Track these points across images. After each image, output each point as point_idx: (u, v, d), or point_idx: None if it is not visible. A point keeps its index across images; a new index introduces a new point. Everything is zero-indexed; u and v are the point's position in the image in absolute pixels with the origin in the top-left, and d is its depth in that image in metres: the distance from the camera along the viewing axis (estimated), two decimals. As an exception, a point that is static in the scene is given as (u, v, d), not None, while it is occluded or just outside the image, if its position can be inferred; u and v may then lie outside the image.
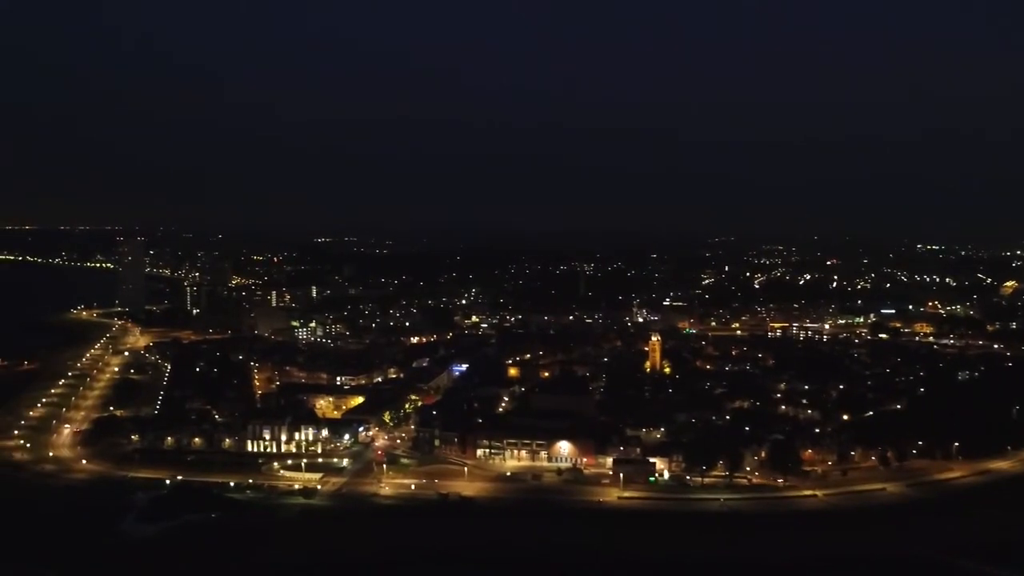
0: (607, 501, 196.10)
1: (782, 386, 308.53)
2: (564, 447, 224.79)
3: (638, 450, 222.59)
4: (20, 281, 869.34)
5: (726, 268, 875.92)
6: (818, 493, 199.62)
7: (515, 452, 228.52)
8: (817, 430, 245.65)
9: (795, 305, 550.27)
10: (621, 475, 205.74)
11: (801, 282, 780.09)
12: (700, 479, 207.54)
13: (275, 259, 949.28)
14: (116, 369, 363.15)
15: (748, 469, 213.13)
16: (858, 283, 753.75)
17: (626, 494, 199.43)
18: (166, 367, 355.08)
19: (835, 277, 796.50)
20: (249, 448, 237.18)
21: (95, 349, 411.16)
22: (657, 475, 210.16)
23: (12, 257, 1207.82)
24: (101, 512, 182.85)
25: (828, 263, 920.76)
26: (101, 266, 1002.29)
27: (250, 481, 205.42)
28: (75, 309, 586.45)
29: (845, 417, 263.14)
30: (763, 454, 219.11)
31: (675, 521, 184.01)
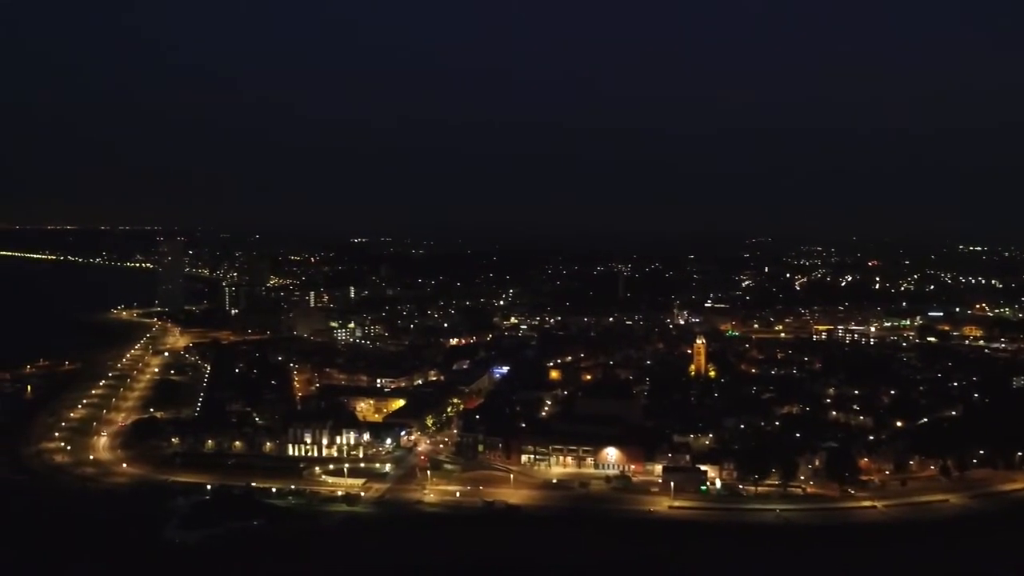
0: (658, 511, 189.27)
1: (831, 391, 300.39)
2: (611, 454, 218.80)
3: (687, 457, 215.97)
4: (61, 281, 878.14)
5: (765, 269, 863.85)
6: (877, 504, 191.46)
7: (561, 458, 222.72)
8: (871, 437, 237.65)
9: (840, 307, 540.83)
10: (672, 484, 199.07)
11: (843, 283, 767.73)
12: (753, 488, 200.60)
13: (312, 259, 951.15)
14: (156, 370, 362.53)
15: (802, 478, 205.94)
16: (901, 285, 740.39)
17: (677, 503, 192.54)
18: (206, 368, 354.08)
19: (877, 278, 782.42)
20: (290, 452, 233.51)
21: (135, 349, 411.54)
22: (708, 484, 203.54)
23: (54, 257, 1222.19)
24: (142, 518, 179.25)
25: (869, 264, 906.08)
26: (141, 266, 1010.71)
27: (292, 487, 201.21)
28: (115, 309, 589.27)
29: (899, 424, 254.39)
30: (817, 462, 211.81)
31: (730, 533, 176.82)
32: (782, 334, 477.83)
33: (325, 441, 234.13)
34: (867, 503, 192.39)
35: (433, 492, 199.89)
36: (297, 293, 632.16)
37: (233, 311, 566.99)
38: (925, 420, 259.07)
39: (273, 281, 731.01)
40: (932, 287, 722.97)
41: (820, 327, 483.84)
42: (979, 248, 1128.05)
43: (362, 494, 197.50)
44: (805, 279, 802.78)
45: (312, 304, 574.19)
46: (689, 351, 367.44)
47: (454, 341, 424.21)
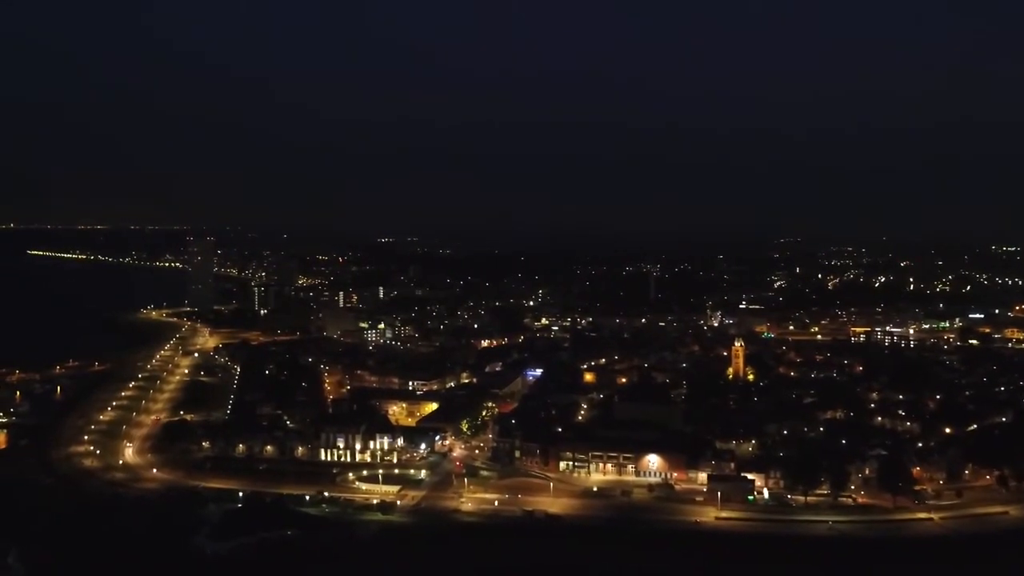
0: (704, 522, 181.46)
1: (874, 395, 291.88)
2: (653, 461, 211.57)
3: (732, 465, 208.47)
4: (91, 280, 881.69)
5: (797, 270, 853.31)
6: (934, 516, 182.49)
7: (600, 465, 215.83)
8: (919, 444, 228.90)
9: (877, 309, 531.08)
10: (719, 493, 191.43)
11: (877, 284, 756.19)
12: (802, 498, 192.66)
13: (340, 259, 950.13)
14: (186, 371, 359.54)
15: (852, 487, 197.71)
16: (937, 285, 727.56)
17: (724, 514, 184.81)
18: (235, 369, 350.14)
19: (911, 279, 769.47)
20: (322, 457, 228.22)
21: (165, 350, 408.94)
22: (755, 493, 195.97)
23: (85, 256, 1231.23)
24: (172, 527, 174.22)
25: (903, 264, 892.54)
26: (170, 265, 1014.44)
27: (325, 494, 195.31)
28: (145, 309, 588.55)
29: (947, 430, 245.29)
30: (867, 471, 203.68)
31: (781, 546, 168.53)
32: (818, 336, 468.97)
33: (358, 446, 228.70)
34: (923, 515, 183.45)
35: (470, 500, 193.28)
36: (326, 293, 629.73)
37: (262, 311, 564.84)
38: (975, 427, 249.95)
39: (302, 281, 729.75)
40: (968, 288, 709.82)
41: (857, 329, 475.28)
42: (1013, 248, 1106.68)
43: (398, 502, 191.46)
44: (837, 280, 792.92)
45: (341, 304, 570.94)
46: (725, 353, 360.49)
47: (485, 342, 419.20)
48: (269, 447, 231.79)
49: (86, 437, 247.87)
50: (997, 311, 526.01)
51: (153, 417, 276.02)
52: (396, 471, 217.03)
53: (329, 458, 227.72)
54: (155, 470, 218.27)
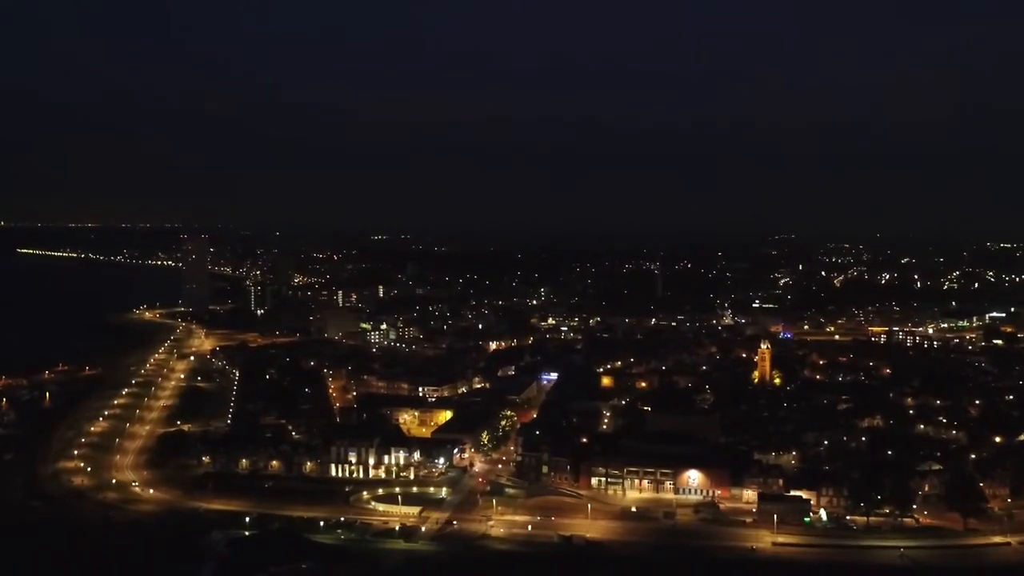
0: (762, 548, 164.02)
1: (909, 400, 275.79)
2: (694, 477, 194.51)
3: (781, 482, 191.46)
4: (82, 279, 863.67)
5: (800, 267, 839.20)
6: (1011, 541, 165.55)
7: (636, 482, 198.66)
8: (971, 456, 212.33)
9: (894, 307, 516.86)
10: (774, 515, 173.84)
11: (883, 281, 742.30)
12: (864, 519, 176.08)
13: (335, 257, 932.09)
14: (182, 376, 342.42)
15: (913, 506, 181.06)
16: (944, 283, 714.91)
17: (780, 539, 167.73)
18: (234, 374, 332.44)
19: (916, 276, 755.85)
20: (333, 473, 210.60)
21: (159, 353, 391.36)
22: (812, 514, 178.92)
23: (75, 255, 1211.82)
24: (174, 558, 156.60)
25: (903, 261, 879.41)
26: (162, 264, 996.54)
27: (341, 518, 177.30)
28: (138, 309, 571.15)
29: (997, 440, 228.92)
30: (926, 487, 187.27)
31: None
32: (836, 336, 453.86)
33: (372, 461, 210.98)
34: (998, 539, 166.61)
35: (499, 523, 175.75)
36: (324, 293, 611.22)
37: (259, 311, 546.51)
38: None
39: (298, 280, 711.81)
40: (977, 285, 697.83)
41: (875, 328, 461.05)
42: (1009, 245, 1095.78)
43: (421, 527, 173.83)
44: (842, 277, 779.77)
45: (340, 304, 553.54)
46: (744, 355, 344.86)
47: (494, 345, 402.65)
48: (275, 462, 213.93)
49: (76, 451, 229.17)
50: (1013, 309, 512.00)
51: (148, 427, 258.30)
52: (414, 489, 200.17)
53: (340, 474, 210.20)
54: (151, 489, 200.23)
